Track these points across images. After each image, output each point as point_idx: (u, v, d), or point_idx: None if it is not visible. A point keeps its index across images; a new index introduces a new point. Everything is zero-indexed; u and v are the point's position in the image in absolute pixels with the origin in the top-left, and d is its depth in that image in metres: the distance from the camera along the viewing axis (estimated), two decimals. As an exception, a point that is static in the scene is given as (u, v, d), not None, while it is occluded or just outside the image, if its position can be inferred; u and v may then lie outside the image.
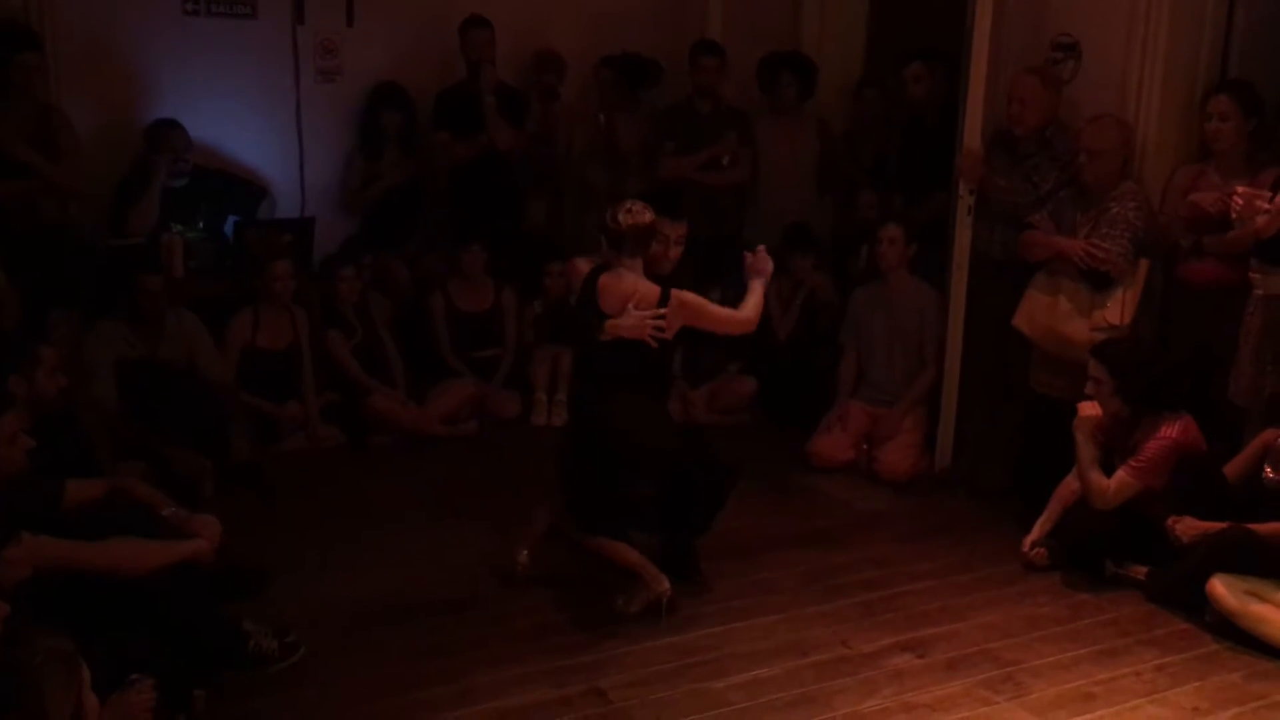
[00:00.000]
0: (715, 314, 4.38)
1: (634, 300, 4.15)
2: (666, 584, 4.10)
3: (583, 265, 4.36)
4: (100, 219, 5.74)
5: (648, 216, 4.20)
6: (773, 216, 6.38)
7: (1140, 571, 4.42)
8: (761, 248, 4.54)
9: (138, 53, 5.97)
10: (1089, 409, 4.45)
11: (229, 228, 6.04)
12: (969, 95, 5.22)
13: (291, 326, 5.73)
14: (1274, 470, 4.26)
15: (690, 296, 4.26)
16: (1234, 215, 4.36)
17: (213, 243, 5.94)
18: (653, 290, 4.19)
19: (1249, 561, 4.07)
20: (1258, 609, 4.00)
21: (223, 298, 5.71)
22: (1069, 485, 4.59)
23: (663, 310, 4.16)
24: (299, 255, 5.88)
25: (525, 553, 4.32)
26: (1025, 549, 4.61)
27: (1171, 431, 4.36)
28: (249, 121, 6.24)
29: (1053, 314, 4.93)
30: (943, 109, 5.74)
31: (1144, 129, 4.97)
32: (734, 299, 6.21)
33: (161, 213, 5.71)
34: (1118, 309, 4.79)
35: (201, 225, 5.89)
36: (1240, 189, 4.34)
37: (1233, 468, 4.42)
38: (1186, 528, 4.25)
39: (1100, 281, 4.82)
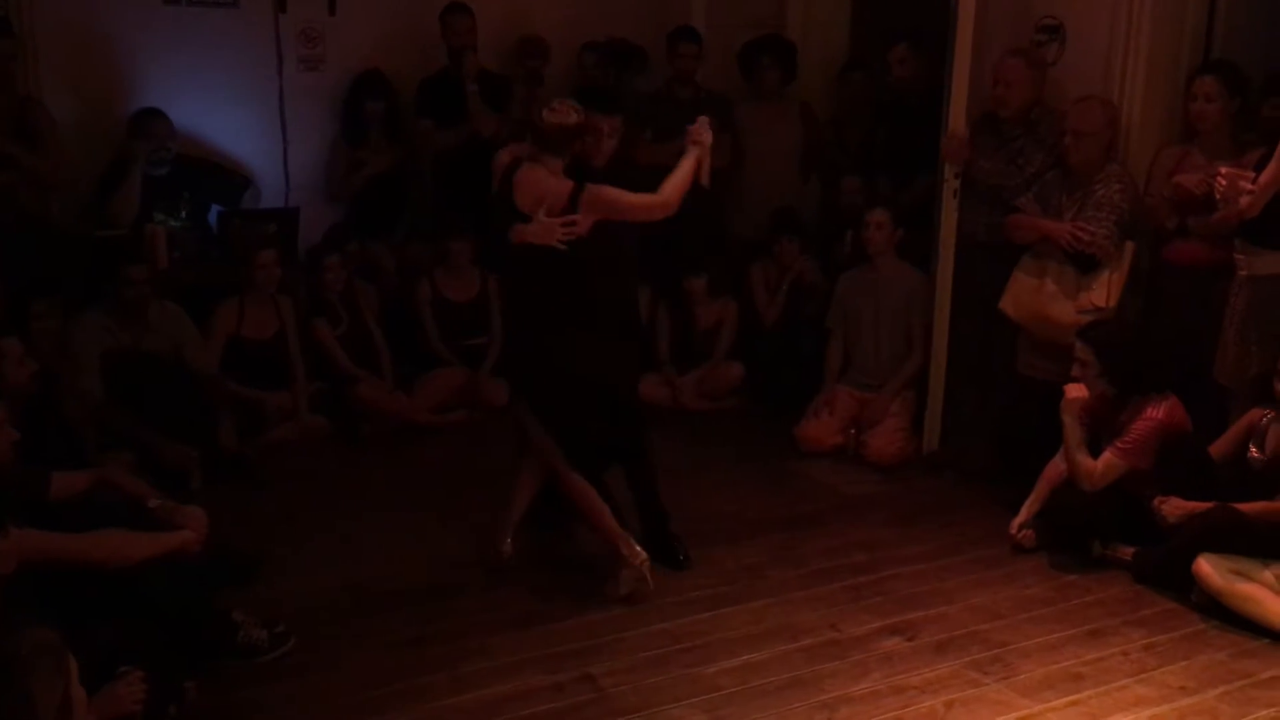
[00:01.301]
0: (631, 202, 4.09)
1: (546, 204, 4.00)
2: (644, 554, 4.09)
3: (505, 156, 4.22)
4: (82, 210, 5.70)
5: (573, 118, 4.05)
6: (757, 202, 6.38)
7: (1127, 552, 4.43)
8: (703, 118, 4.35)
9: (119, 43, 5.93)
10: (1075, 391, 4.46)
11: (213, 217, 6.01)
12: (954, 78, 5.20)
13: (277, 316, 5.71)
14: (1259, 450, 4.28)
15: (605, 189, 4.03)
16: (1218, 196, 4.36)
17: (197, 233, 5.92)
18: (565, 186, 4.02)
19: (1235, 541, 4.08)
20: (1244, 588, 4.02)
21: (208, 288, 5.67)
22: (1056, 467, 4.60)
23: (574, 217, 3.99)
24: (284, 244, 5.85)
25: (508, 540, 4.28)
26: (1013, 531, 4.62)
27: (1157, 412, 4.37)
28: (232, 111, 6.21)
29: (1038, 297, 4.94)
30: (927, 92, 5.73)
31: (1128, 110, 4.98)
32: (717, 285, 6.29)
33: (145, 203, 5.69)
34: (1103, 291, 4.80)
35: (185, 215, 5.86)
36: (1224, 169, 4.34)
37: (1218, 448, 4.44)
38: (1173, 508, 4.27)
39: (1086, 264, 4.83)
